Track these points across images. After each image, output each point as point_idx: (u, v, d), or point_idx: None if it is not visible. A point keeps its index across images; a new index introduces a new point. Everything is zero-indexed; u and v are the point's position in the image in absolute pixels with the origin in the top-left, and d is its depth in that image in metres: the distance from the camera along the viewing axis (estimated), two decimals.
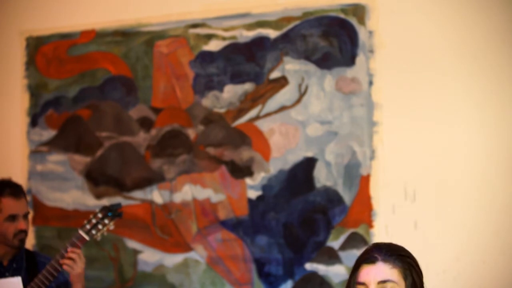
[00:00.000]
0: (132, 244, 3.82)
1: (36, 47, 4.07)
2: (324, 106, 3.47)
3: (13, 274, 3.13)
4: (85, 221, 3.03)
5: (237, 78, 3.66)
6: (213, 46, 3.71)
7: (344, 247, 3.41)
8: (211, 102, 3.71)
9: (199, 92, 3.74)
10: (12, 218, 3.16)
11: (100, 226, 3.02)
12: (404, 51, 3.36)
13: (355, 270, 2.00)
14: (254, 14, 3.63)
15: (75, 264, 2.99)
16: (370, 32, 3.42)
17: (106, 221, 3.02)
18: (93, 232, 3.02)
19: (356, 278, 1.98)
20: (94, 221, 3.02)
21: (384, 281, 1.93)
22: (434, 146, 3.31)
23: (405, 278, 1.94)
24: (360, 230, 3.38)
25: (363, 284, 1.95)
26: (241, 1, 3.66)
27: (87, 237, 3.01)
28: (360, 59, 3.41)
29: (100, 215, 3.02)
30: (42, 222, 3.98)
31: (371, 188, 3.37)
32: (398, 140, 3.35)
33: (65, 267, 2.99)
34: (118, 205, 3.06)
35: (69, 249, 3.01)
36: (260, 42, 3.62)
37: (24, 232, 3.16)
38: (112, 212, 3.01)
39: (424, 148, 3.32)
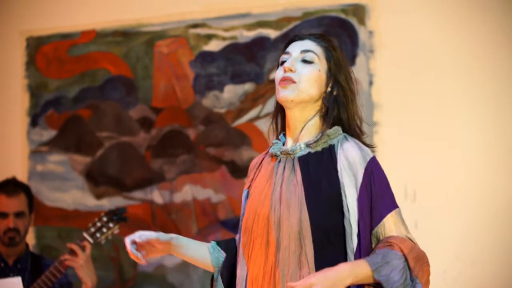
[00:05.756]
0: None
1: (36, 47, 4.06)
2: None
3: (17, 274, 3.14)
4: (90, 224, 3.03)
5: (237, 78, 3.66)
6: (213, 46, 3.71)
7: None
8: (211, 102, 3.71)
9: (199, 92, 3.73)
10: (2, 215, 3.18)
11: (104, 230, 3.02)
12: (404, 51, 3.37)
13: (284, 48, 1.99)
14: (255, 14, 3.63)
15: (76, 256, 2.98)
16: (370, 32, 3.42)
17: (110, 224, 3.02)
18: (97, 235, 3.02)
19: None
20: (98, 224, 3.02)
21: (306, 50, 1.92)
22: (434, 146, 3.31)
23: (327, 58, 1.94)
24: None
25: (287, 53, 1.95)
26: (241, 1, 3.65)
27: (91, 240, 3.01)
28: (360, 59, 3.41)
29: (105, 219, 3.02)
30: (42, 222, 3.97)
31: None
32: (398, 140, 3.35)
33: (67, 262, 2.99)
34: (123, 210, 3.07)
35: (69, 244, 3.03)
36: (260, 42, 3.61)
37: (15, 231, 3.17)
38: (117, 216, 3.02)
39: (424, 148, 3.32)
